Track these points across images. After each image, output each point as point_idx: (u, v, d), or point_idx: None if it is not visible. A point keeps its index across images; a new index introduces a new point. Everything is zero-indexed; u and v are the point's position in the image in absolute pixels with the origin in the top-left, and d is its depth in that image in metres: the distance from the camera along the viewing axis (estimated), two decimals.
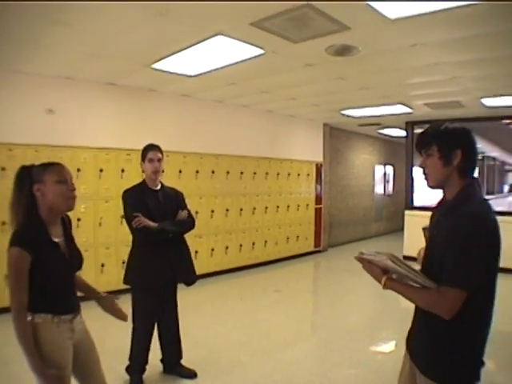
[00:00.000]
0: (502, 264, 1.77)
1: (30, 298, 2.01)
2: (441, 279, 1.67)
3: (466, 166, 1.79)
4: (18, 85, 5.50)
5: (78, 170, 5.86)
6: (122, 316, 2.46)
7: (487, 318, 1.75)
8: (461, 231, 1.65)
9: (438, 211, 1.91)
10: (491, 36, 3.95)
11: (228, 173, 8.14)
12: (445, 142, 1.78)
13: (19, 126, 5.49)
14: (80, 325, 2.27)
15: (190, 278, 3.84)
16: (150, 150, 3.63)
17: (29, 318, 2.01)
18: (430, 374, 1.78)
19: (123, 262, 6.55)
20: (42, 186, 2.11)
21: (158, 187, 3.72)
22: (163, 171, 6.64)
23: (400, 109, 7.95)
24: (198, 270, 7.25)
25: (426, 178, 1.88)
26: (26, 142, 5.43)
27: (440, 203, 1.95)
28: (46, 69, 5.44)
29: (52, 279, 2.10)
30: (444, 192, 1.89)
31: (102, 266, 6.20)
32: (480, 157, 15.11)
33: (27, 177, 2.12)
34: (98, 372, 2.36)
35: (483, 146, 13.52)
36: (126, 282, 3.67)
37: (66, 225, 2.33)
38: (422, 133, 1.91)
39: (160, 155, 3.67)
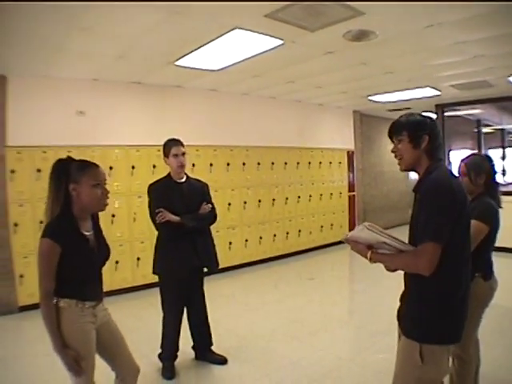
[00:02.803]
0: None
1: (57, 284, 2.16)
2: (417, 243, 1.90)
3: (432, 148, 2.06)
4: (49, 89, 5.74)
5: (111, 167, 6.08)
6: None
7: (454, 287, 1.93)
8: (426, 195, 1.94)
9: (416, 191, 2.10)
10: (508, 11, 3.81)
11: (259, 164, 8.21)
12: (414, 128, 2.06)
13: (52, 129, 5.73)
14: (102, 312, 2.41)
15: (214, 266, 3.93)
16: (173, 146, 3.72)
17: (54, 302, 2.17)
18: (408, 333, 2.00)
19: None
20: (77, 187, 2.24)
21: (183, 179, 3.82)
22: (194, 165, 6.82)
23: (428, 92, 7.78)
24: (232, 261, 7.53)
25: (399, 163, 2.16)
26: (59, 143, 5.66)
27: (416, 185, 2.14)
28: (74, 72, 5.65)
29: (80, 270, 2.25)
30: (417, 173, 2.13)
31: (138, 259, 6.41)
32: None
33: (64, 174, 2.24)
34: (123, 350, 2.50)
35: None
36: (154, 272, 3.82)
37: (95, 219, 2.47)
38: (393, 122, 2.17)
39: (183, 149, 3.75)
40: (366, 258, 2.04)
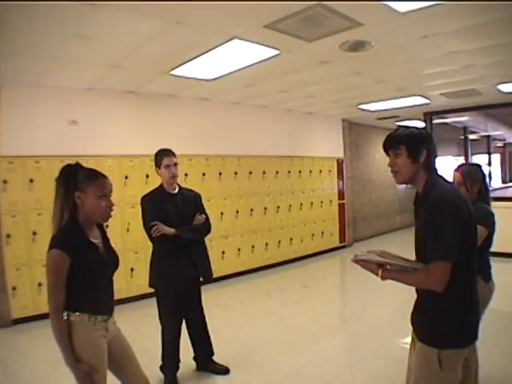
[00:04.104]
0: None
1: (68, 298, 2.12)
2: (427, 260, 1.91)
3: (429, 162, 2.06)
4: (42, 98, 5.68)
5: None
6: None
7: (468, 292, 1.97)
8: (431, 214, 1.93)
9: (418, 204, 2.12)
10: (501, 22, 3.92)
11: (251, 173, 8.22)
12: (413, 142, 2.05)
13: (44, 139, 5.67)
14: (113, 325, 2.39)
15: (209, 275, 3.92)
16: (165, 156, 3.68)
17: (65, 317, 2.12)
18: (426, 339, 2.00)
19: None
20: (83, 196, 2.21)
21: (176, 190, 3.79)
22: (186, 175, 6.81)
23: (417, 100, 7.91)
24: (226, 270, 7.51)
25: (396, 176, 2.13)
26: (52, 153, 5.59)
27: (416, 198, 2.16)
28: (67, 81, 5.61)
29: (91, 280, 2.21)
30: (414, 186, 2.13)
31: (132, 270, 6.36)
32: (501, 144, 14.94)
33: (72, 182, 2.21)
34: (133, 363, 2.47)
35: (504, 133, 13.31)
36: (150, 285, 3.79)
37: (101, 227, 2.44)
38: (389, 135, 2.15)
39: (175, 159, 3.72)
40: (377, 275, 2.03)
